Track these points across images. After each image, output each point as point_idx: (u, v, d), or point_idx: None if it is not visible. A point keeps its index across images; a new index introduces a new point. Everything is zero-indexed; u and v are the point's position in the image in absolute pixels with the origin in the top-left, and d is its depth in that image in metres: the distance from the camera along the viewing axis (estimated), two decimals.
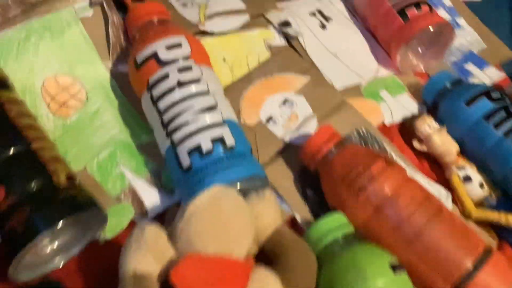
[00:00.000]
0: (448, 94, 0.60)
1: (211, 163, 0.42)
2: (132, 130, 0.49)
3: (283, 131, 0.54)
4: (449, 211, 0.47)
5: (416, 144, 0.59)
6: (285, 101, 0.56)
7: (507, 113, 0.56)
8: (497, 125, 0.55)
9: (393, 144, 0.58)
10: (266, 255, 0.41)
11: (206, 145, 0.43)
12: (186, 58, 0.46)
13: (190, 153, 0.43)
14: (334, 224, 0.45)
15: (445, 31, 0.64)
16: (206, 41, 0.56)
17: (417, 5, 0.63)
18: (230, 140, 0.44)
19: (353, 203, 0.46)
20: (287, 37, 0.62)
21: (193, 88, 0.45)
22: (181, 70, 0.45)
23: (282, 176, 0.51)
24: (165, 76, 0.45)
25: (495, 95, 0.57)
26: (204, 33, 0.57)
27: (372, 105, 0.61)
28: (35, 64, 0.47)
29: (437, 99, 0.62)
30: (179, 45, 0.46)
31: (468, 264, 0.42)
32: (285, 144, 0.53)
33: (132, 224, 0.44)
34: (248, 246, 0.39)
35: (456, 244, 0.44)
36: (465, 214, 0.55)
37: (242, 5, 0.61)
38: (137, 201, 0.45)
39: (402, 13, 0.63)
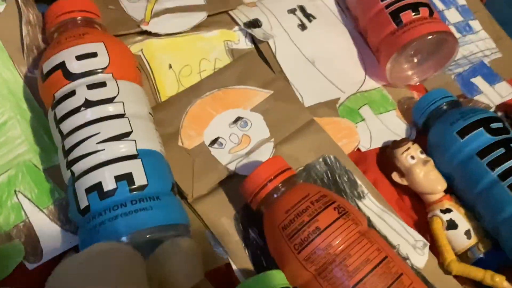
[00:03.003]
0: (441, 118, 0.50)
1: (111, 206, 0.35)
2: (43, 148, 0.41)
3: (229, 157, 0.45)
4: (412, 277, 0.38)
5: (395, 177, 0.50)
6: (237, 120, 0.47)
7: (507, 149, 0.45)
8: (492, 164, 0.45)
9: (367, 176, 0.48)
10: None
11: (108, 184, 0.35)
12: (101, 71, 0.38)
13: (88, 191, 0.35)
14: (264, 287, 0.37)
15: (447, 41, 0.53)
16: (150, 44, 0.48)
17: (415, 8, 0.53)
18: (140, 178, 0.36)
19: (293, 259, 0.38)
20: (254, 40, 0.53)
21: (102, 110, 0.37)
22: (92, 86, 0.37)
23: (221, 212, 0.43)
24: (71, 93, 0.37)
25: (496, 125, 0.47)
26: (150, 34, 0.48)
27: (347, 126, 0.51)
28: None
29: (429, 122, 0.52)
30: (93, 55, 0.38)
31: None
32: (229, 173, 0.45)
33: (21, 269, 0.37)
34: None
35: None
36: (444, 267, 0.45)
37: (201, 0, 0.52)
38: (31, 239, 0.38)
39: (395, 16, 0.53)
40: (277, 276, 0.38)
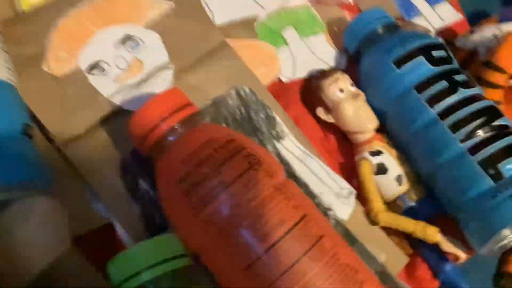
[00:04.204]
0: (376, 43, 0.43)
1: None
2: None
3: (114, 88, 0.35)
4: (334, 239, 0.31)
5: (321, 113, 0.42)
6: (125, 39, 0.36)
7: (450, 82, 0.39)
8: (432, 100, 0.38)
9: (288, 112, 0.40)
10: None
11: None
12: None
13: None
14: (152, 257, 0.28)
15: None
16: None
17: None
18: None
19: (191, 220, 0.30)
20: None
21: None
22: None
23: (102, 158, 0.34)
24: None
25: (439, 53, 0.40)
26: None
27: (266, 50, 0.42)
28: None
29: (362, 49, 0.44)
30: None
31: None
32: (114, 108, 0.35)
33: None
34: None
35: None
36: (371, 217, 0.39)
37: None
38: None
39: None
40: (170, 242, 0.30)
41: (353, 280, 0.29)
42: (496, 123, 0.37)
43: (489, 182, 0.36)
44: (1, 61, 0.28)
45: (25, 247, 0.26)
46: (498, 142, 0.36)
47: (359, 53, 0.44)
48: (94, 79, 0.35)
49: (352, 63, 0.45)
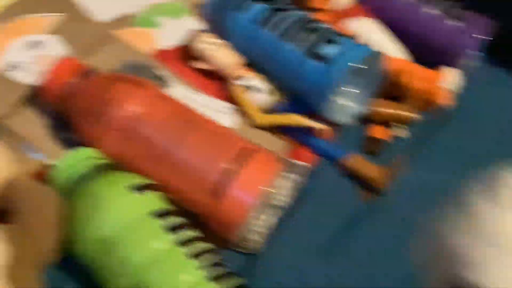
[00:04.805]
0: (221, 7, 0.57)
1: None
2: None
3: (31, 77, 0.48)
4: (206, 119, 0.44)
5: (197, 64, 0.55)
6: (33, 44, 0.50)
7: (274, 10, 0.53)
8: (264, 24, 0.52)
9: (170, 68, 0.53)
10: None
11: None
12: None
13: None
14: (74, 160, 0.41)
15: None
16: None
17: None
18: None
19: (99, 133, 0.42)
20: None
21: None
22: None
23: (33, 123, 0.46)
24: None
25: None
26: None
27: (143, 33, 0.56)
28: None
29: (218, 16, 0.58)
30: None
31: (222, 166, 0.40)
32: (31, 88, 0.47)
33: None
34: None
35: (207, 150, 0.41)
36: (254, 123, 0.52)
37: None
38: None
39: None
40: (82, 151, 0.41)
41: (225, 140, 0.42)
42: (312, 25, 0.51)
43: (316, 63, 0.49)
44: None
45: None
46: (315, 35, 0.50)
47: (216, 20, 0.58)
48: (13, 74, 0.48)
49: (215, 29, 0.59)
